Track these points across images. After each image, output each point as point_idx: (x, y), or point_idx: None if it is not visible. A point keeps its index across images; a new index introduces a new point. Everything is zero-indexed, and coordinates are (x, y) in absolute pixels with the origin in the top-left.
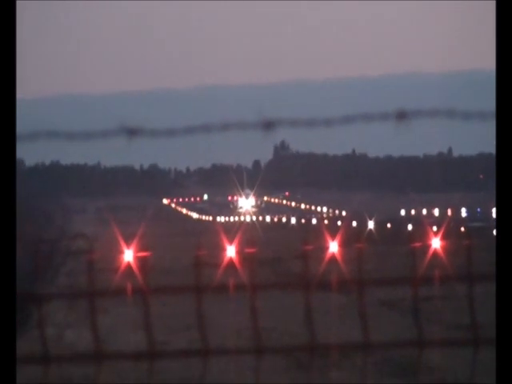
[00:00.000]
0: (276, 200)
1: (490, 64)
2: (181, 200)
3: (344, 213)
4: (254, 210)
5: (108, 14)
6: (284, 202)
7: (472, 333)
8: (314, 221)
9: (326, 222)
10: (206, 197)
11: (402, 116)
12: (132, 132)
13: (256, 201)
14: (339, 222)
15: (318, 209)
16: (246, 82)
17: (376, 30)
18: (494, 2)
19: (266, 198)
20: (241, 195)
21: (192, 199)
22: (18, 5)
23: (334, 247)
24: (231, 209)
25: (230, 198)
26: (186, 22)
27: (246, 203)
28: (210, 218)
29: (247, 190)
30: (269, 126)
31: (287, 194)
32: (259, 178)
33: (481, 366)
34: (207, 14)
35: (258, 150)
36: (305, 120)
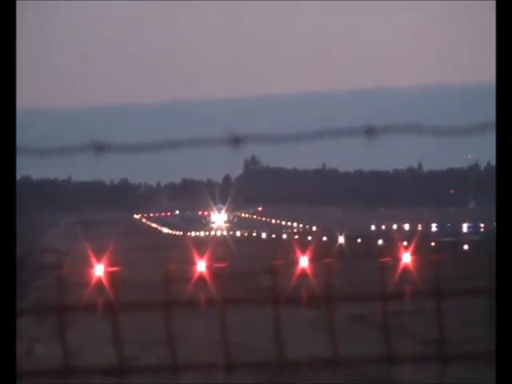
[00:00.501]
0: (247, 215)
1: (460, 78)
2: (152, 215)
3: (314, 228)
4: (226, 225)
5: (77, 27)
6: (255, 216)
7: (441, 348)
8: (284, 236)
9: (296, 236)
10: (177, 212)
11: (370, 131)
12: (101, 147)
13: (228, 216)
14: (309, 237)
15: (289, 223)
16: (215, 96)
17: (345, 44)
18: (466, 16)
19: (238, 213)
20: (213, 210)
21: (163, 214)
22: None
23: (304, 262)
24: (203, 224)
25: (201, 212)
26: (156, 36)
27: (219, 218)
28: (181, 233)
29: (219, 205)
30: (238, 141)
31: (260, 209)
32: (231, 193)
33: (450, 380)
34: (177, 29)
35: (228, 164)
36: (275, 135)
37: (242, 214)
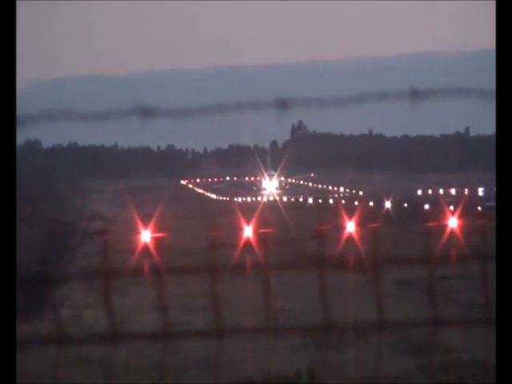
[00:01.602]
0: (299, 181)
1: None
2: (198, 181)
3: (361, 193)
4: (277, 191)
5: None
6: (304, 182)
7: (488, 312)
8: (331, 201)
9: (343, 201)
10: (227, 178)
11: (416, 95)
12: (147, 112)
13: (280, 182)
14: (356, 202)
15: (335, 189)
16: (260, 62)
17: (389, 10)
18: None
19: (290, 180)
20: (261, 176)
21: (210, 180)
22: None
23: (350, 227)
24: (252, 190)
25: (248, 178)
26: (198, 3)
27: (269, 184)
28: (228, 199)
29: (271, 171)
30: (285, 105)
31: (312, 175)
32: (279, 159)
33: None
34: None
35: (275, 129)
36: (321, 99)
37: (293, 180)
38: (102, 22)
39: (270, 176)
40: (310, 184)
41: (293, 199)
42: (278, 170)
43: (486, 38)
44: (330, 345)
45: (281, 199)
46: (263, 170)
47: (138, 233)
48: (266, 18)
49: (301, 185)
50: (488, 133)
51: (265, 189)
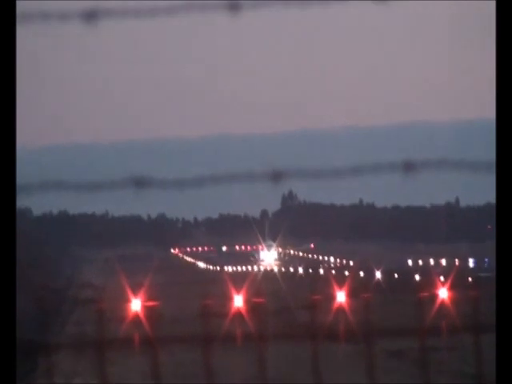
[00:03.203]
0: (298, 252)
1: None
2: (189, 249)
3: (351, 263)
4: (276, 262)
5: (115, 62)
6: (302, 254)
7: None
8: (321, 271)
9: (333, 271)
10: (224, 248)
11: (409, 167)
12: (140, 182)
13: (279, 252)
14: (347, 272)
15: (326, 258)
16: (253, 131)
17: (382, 78)
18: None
19: (288, 251)
20: (259, 246)
21: (200, 249)
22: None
23: (341, 297)
24: (248, 259)
25: (238, 247)
26: (193, 70)
27: (268, 255)
28: (218, 268)
29: (269, 242)
30: (277, 176)
31: (312, 246)
32: (278, 229)
33: None
34: (212, 63)
35: (266, 199)
36: (313, 170)
37: (291, 251)
38: (94, 90)
39: (269, 246)
40: (306, 254)
41: (291, 269)
42: (277, 240)
43: (480, 107)
44: None
45: (271, 268)
46: (261, 240)
47: (128, 301)
48: (259, 86)
49: (298, 256)
50: (478, 203)
51: (262, 259)
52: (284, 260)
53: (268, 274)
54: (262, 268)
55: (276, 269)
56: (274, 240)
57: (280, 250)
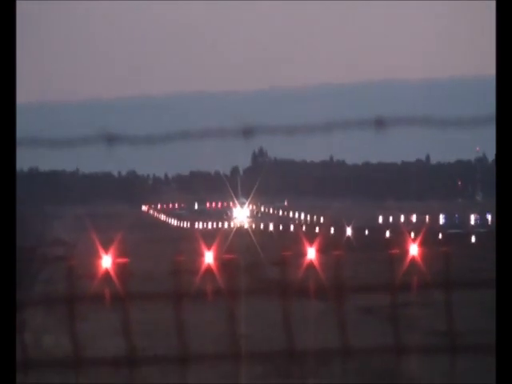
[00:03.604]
0: (268, 209)
1: (469, 71)
2: (159, 207)
3: (322, 219)
4: (249, 219)
5: (84, 18)
6: (273, 211)
7: (450, 340)
8: (291, 227)
9: (303, 228)
10: (195, 205)
11: (380, 123)
12: (111, 139)
13: (252, 210)
14: (317, 229)
15: (296, 215)
16: (224, 89)
17: (353, 35)
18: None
19: (262, 208)
20: (231, 203)
21: (171, 206)
22: None
23: (311, 254)
24: (224, 217)
25: (208, 204)
26: (162, 28)
27: (241, 212)
28: (189, 225)
29: (242, 199)
30: (248, 133)
31: (286, 203)
32: (253, 186)
33: (458, 373)
34: (184, 21)
35: (236, 156)
36: (284, 127)
37: (265, 208)
38: (65, 48)
39: (241, 204)
40: (279, 211)
41: (263, 226)
42: (249, 197)
43: (451, 65)
44: (291, 372)
45: (251, 226)
46: (233, 197)
47: (99, 258)
48: (231, 44)
49: (272, 213)
50: (448, 160)
51: (235, 217)
52: (257, 217)
53: (241, 230)
54: (234, 225)
55: (248, 226)
56: (246, 197)
57: (253, 207)
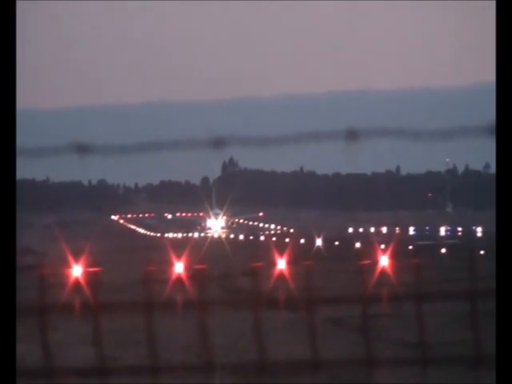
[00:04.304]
0: (243, 220)
1: (442, 82)
2: (129, 216)
3: (292, 230)
4: (223, 229)
5: (62, 26)
6: (245, 222)
7: (420, 351)
8: (261, 238)
9: (274, 239)
10: (166, 214)
11: (351, 135)
12: (81, 149)
13: (226, 220)
14: (287, 239)
15: (271, 226)
16: (196, 98)
17: (329, 46)
18: (449, 17)
19: (235, 219)
20: (202, 213)
21: (141, 215)
22: None
23: (281, 264)
24: (197, 227)
25: (179, 214)
26: (134, 38)
27: (215, 223)
28: (158, 235)
29: (216, 210)
30: (218, 143)
31: (261, 214)
32: (225, 196)
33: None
34: (156, 29)
35: (206, 166)
36: (254, 137)
37: (238, 219)
38: (38, 56)
39: (216, 214)
40: (253, 222)
41: (234, 237)
42: (224, 208)
43: (423, 75)
44: (261, 382)
45: (225, 237)
46: (208, 207)
47: (69, 267)
48: (203, 53)
49: (246, 224)
50: (418, 171)
51: (209, 227)
52: (231, 228)
53: (214, 241)
54: (207, 235)
55: (223, 236)
56: (219, 207)
57: (227, 218)
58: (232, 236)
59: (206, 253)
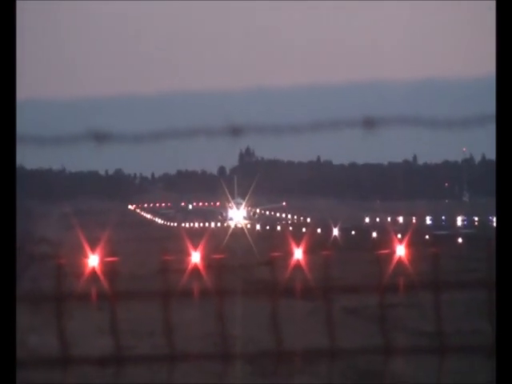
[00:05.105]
0: (265, 210)
1: (458, 71)
2: (146, 206)
3: (309, 220)
4: (245, 220)
5: (77, 17)
6: (267, 212)
7: (438, 340)
8: (278, 228)
9: (291, 228)
10: (190, 206)
11: (368, 124)
12: (98, 137)
13: (248, 211)
14: (304, 229)
15: (283, 215)
16: (212, 88)
17: (343, 36)
18: (462, 12)
19: (258, 209)
20: (219, 203)
21: (157, 204)
22: None
23: (298, 254)
24: (219, 218)
25: (195, 203)
26: (150, 26)
27: (237, 213)
28: (175, 224)
29: (239, 199)
30: (235, 132)
31: (284, 204)
32: (245, 186)
33: (446, 373)
34: (171, 18)
35: (223, 156)
36: (271, 126)
37: (260, 210)
38: (55, 46)
39: (238, 204)
40: (275, 212)
41: (259, 227)
42: (246, 198)
43: (440, 65)
44: (278, 372)
45: (246, 228)
46: (229, 197)
47: (85, 257)
48: (219, 42)
49: (268, 214)
50: (435, 161)
51: (231, 218)
52: (254, 218)
53: (235, 231)
54: (228, 225)
55: (244, 227)
56: (236, 197)
57: (249, 208)
58: (256, 227)
59: (227, 243)
